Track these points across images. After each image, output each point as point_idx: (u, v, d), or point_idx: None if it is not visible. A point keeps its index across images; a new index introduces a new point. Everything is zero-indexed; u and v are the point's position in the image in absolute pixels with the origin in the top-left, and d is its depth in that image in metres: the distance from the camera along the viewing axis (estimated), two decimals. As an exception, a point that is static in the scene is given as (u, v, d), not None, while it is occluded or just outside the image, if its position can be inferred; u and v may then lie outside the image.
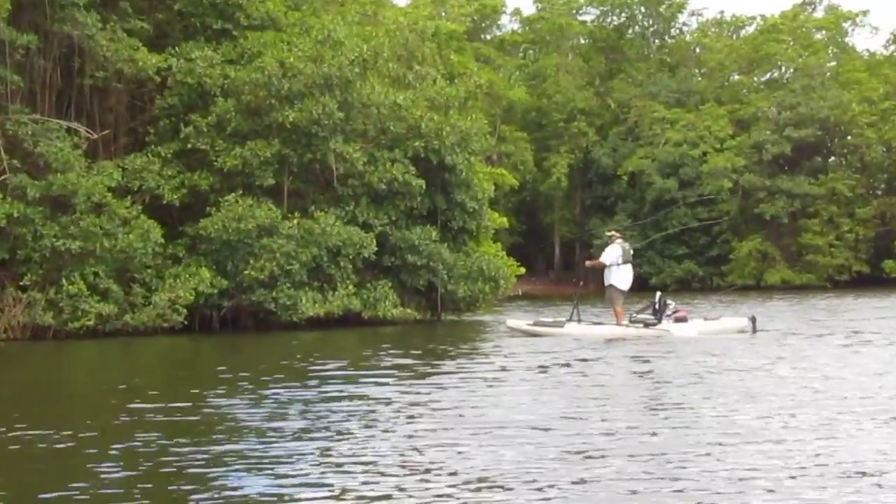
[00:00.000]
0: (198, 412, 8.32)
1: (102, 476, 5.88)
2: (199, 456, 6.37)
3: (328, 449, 6.54)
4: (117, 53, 18.70)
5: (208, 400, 8.98)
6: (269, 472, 5.89)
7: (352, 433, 7.14)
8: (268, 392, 9.41)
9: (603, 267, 16.79)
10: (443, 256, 21.05)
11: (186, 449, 6.61)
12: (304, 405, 8.49)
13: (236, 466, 6.03)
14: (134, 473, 5.94)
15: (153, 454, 6.50)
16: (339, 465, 6.06)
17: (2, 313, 17.82)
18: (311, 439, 6.89)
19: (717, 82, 58.76)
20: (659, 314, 15.99)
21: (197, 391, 9.65)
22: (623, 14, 61.71)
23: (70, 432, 7.30)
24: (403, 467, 5.97)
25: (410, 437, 6.94)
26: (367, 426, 7.44)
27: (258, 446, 6.66)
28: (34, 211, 17.54)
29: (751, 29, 60.72)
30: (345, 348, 15.88)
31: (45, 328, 17.76)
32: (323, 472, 5.86)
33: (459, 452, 6.40)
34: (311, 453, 6.40)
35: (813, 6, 60.25)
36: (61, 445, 6.90)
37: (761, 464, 5.94)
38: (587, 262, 17.97)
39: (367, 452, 6.42)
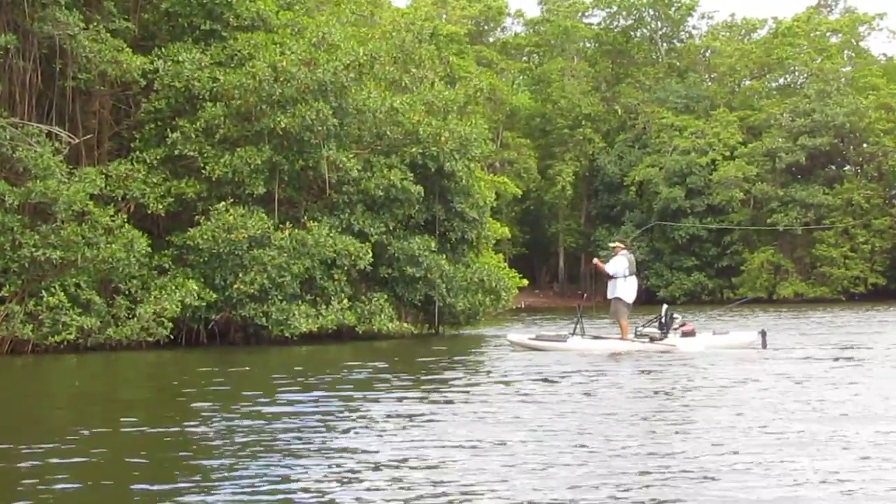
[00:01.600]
0: (171, 429, 8.21)
1: (61, 490, 5.86)
2: (168, 473, 6.35)
3: (303, 467, 6.40)
4: (101, 55, 18.12)
5: (183, 416, 8.83)
6: (240, 489, 5.80)
7: (331, 450, 7.01)
8: (247, 408, 9.28)
9: (605, 273, 16.39)
10: (441, 268, 20.31)
11: (154, 466, 6.59)
12: (280, 421, 8.36)
13: (205, 484, 5.96)
14: (96, 490, 5.91)
15: (120, 471, 6.42)
16: (315, 482, 5.97)
17: (-22, 327, 17.20)
18: (284, 456, 6.79)
19: (728, 87, 57.86)
20: (665, 328, 15.79)
21: (174, 407, 9.65)
22: (631, 16, 60.68)
23: (31, 450, 7.17)
24: (383, 484, 5.85)
25: (393, 452, 6.85)
26: (349, 442, 7.32)
27: (231, 463, 6.57)
28: (13, 219, 17.03)
29: (763, 32, 59.77)
30: (334, 364, 15.47)
31: (24, 342, 17.16)
32: (295, 490, 5.78)
33: (447, 469, 6.26)
34: (283, 470, 6.31)
35: (829, 8, 59.18)
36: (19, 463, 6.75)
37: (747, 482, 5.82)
38: (594, 260, 17.31)
39: (346, 471, 6.29)
